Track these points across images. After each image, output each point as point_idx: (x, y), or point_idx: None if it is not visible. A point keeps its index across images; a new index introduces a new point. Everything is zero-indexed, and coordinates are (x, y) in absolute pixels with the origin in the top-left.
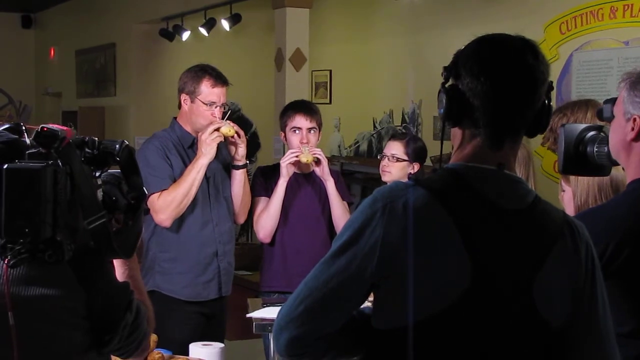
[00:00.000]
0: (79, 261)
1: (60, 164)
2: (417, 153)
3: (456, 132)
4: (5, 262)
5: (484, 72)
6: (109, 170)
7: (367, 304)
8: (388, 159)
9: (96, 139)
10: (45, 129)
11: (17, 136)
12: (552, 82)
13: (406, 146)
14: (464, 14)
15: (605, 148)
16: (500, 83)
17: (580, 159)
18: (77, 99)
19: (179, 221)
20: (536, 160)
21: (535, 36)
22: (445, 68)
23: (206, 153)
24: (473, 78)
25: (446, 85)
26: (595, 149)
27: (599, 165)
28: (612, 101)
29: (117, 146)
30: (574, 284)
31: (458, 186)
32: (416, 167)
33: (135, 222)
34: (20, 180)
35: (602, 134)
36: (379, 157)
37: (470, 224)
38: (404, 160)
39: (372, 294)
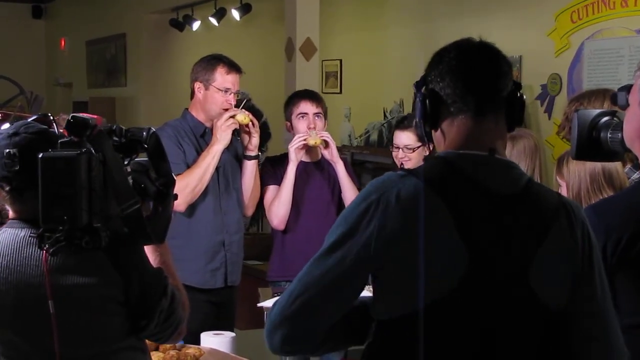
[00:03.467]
0: (114, 248)
1: (93, 151)
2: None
3: (437, 136)
4: (45, 249)
5: (445, 56)
6: (136, 159)
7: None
8: (402, 150)
9: (123, 127)
10: (76, 117)
11: (46, 126)
12: (519, 82)
13: (416, 133)
14: (474, 3)
15: (619, 134)
16: (462, 57)
17: (593, 145)
18: (88, 89)
19: (189, 209)
20: (547, 150)
21: (546, 25)
22: (415, 84)
23: (221, 139)
24: (436, 65)
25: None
26: (609, 135)
27: (612, 151)
28: (627, 88)
29: (144, 133)
30: (571, 266)
31: (450, 173)
32: (430, 147)
33: (165, 208)
34: (56, 169)
35: (615, 119)
36: (390, 149)
37: (464, 211)
38: (419, 147)
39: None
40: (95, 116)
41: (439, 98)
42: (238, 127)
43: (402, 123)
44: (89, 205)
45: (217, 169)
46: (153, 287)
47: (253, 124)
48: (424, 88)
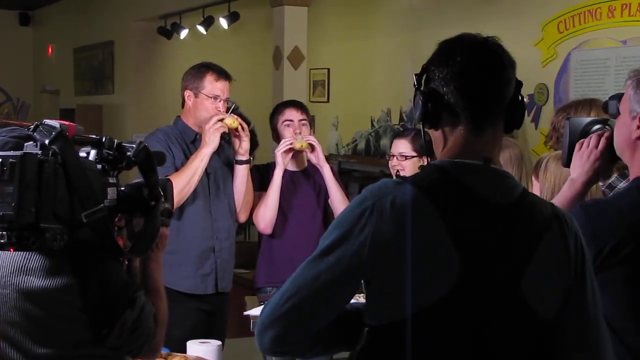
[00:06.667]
0: (76, 254)
1: (50, 154)
2: (426, 147)
3: (436, 136)
4: None
5: (452, 57)
6: (134, 181)
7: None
8: (397, 158)
9: (115, 140)
10: (42, 123)
11: (30, 132)
12: (520, 81)
13: (413, 142)
14: (462, 13)
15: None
16: (468, 62)
17: None
18: (75, 96)
19: (179, 214)
20: (534, 159)
21: (533, 35)
22: (416, 74)
23: (210, 142)
24: (442, 67)
25: (420, 89)
26: None
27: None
28: (618, 97)
29: (135, 147)
30: (563, 276)
31: (445, 182)
32: (426, 161)
33: (151, 221)
34: (2, 168)
35: (607, 127)
36: (387, 157)
37: (457, 219)
38: (413, 157)
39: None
40: (69, 124)
41: (443, 102)
42: (227, 131)
43: (403, 133)
44: (35, 204)
45: (207, 175)
46: (116, 298)
47: (242, 128)
48: (424, 83)
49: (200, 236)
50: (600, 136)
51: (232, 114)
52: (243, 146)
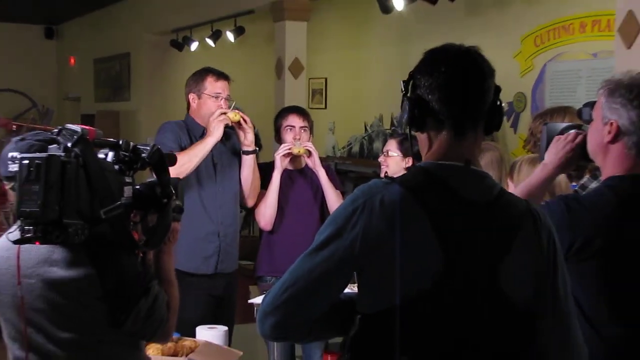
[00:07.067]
0: (95, 248)
1: (72, 156)
2: (409, 149)
3: (422, 138)
4: (13, 241)
5: (437, 68)
6: (148, 180)
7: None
8: (384, 155)
9: (131, 143)
10: (65, 127)
11: (54, 136)
12: (499, 86)
13: (399, 143)
14: (448, 26)
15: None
16: (451, 73)
17: None
18: (95, 103)
19: (188, 202)
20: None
21: (512, 47)
22: (403, 81)
23: (214, 132)
24: (428, 77)
25: (407, 95)
26: None
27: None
28: (591, 105)
29: (149, 149)
30: (536, 268)
31: (429, 182)
32: (410, 161)
33: (163, 216)
34: (28, 169)
35: (580, 132)
36: (379, 156)
37: (440, 216)
38: (397, 156)
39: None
40: (90, 128)
41: (428, 109)
42: (230, 123)
43: (396, 135)
44: (59, 202)
45: (214, 165)
46: (132, 287)
47: (245, 121)
48: (411, 90)
49: (206, 221)
50: (578, 134)
51: (234, 109)
52: (248, 137)
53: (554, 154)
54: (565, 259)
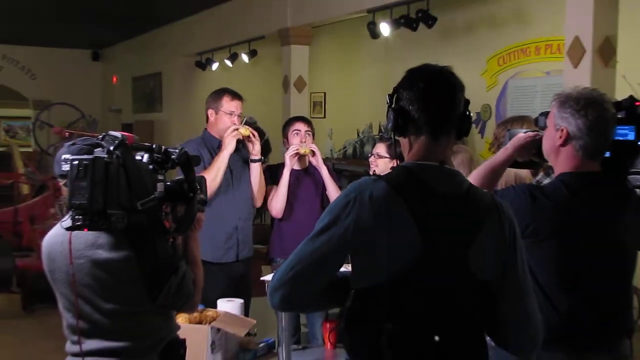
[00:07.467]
0: (133, 233)
1: (114, 158)
2: (397, 152)
3: (404, 142)
4: (65, 228)
5: (416, 84)
6: (177, 178)
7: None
8: (374, 156)
9: (162, 146)
10: (108, 134)
11: (98, 141)
12: (468, 99)
13: (388, 147)
14: (424, 50)
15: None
16: (428, 88)
17: None
18: (133, 114)
19: (211, 203)
20: (481, 161)
21: (479, 66)
22: (389, 95)
23: (228, 146)
24: (409, 91)
25: (392, 106)
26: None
27: (533, 162)
28: (546, 114)
29: (177, 152)
30: (500, 251)
31: (410, 179)
32: (396, 163)
33: (190, 207)
34: (79, 168)
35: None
36: (368, 156)
37: (420, 208)
38: (385, 157)
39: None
40: (129, 134)
41: (409, 117)
42: (242, 138)
43: (384, 139)
44: (103, 196)
45: (231, 171)
46: (164, 267)
47: (254, 135)
48: (395, 102)
49: (227, 219)
50: (538, 134)
51: (244, 125)
52: (255, 148)
53: (515, 141)
54: (524, 237)
